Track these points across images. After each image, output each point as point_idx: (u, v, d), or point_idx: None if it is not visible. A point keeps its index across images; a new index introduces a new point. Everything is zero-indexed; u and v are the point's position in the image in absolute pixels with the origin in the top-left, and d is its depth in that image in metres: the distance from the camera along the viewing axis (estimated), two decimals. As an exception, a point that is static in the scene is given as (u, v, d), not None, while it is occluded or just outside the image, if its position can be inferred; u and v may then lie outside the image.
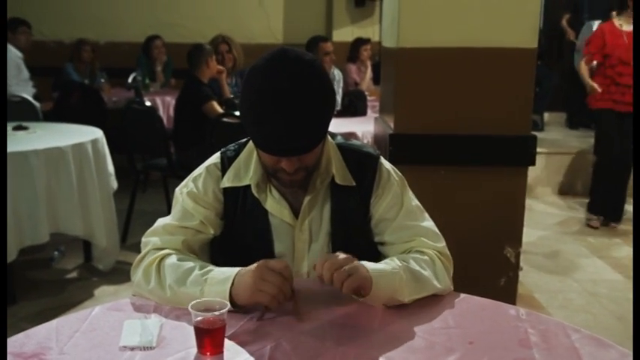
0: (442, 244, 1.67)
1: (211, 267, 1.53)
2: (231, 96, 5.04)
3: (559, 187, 6.41)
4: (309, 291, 1.55)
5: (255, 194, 1.64)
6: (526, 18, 2.87)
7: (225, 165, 1.68)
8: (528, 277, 4.19)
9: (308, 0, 8.00)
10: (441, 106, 2.93)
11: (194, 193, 1.66)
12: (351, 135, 4.09)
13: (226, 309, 1.32)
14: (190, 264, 1.53)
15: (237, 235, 1.69)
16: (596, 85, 5.14)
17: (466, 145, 2.95)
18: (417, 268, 1.56)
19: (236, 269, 1.48)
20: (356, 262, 1.45)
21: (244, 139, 1.72)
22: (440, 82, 2.91)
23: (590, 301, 3.88)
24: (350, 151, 1.71)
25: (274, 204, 1.65)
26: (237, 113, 4.31)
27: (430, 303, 1.56)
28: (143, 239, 1.65)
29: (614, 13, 5.28)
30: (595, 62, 5.25)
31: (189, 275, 1.50)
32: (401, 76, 2.94)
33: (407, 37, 2.87)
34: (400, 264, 1.54)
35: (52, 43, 7.57)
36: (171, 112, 5.68)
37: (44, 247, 4.11)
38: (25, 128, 4.09)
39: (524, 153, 2.95)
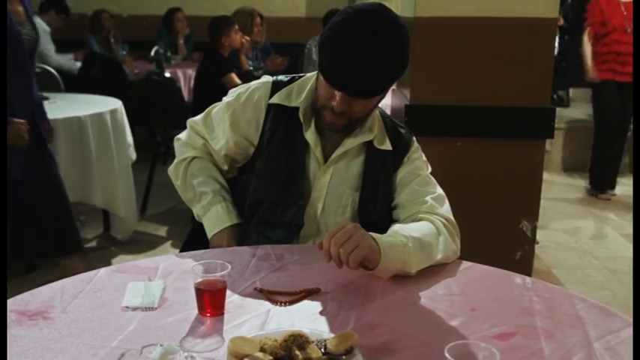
0: (447, 208, 1.69)
1: (217, 203, 1.78)
2: (251, 68, 5.02)
3: (583, 163, 6.29)
4: (311, 258, 1.55)
5: (301, 118, 1.70)
6: (546, -14, 2.81)
7: (275, 90, 1.75)
8: (547, 253, 4.15)
9: (331, -28, 7.91)
10: (459, 77, 2.87)
11: (235, 115, 1.77)
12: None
13: (227, 270, 1.31)
14: (206, 188, 1.80)
15: (273, 156, 1.73)
16: (595, 75, 5.24)
17: (483, 117, 2.90)
18: (424, 237, 1.54)
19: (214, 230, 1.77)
20: (363, 232, 1.43)
21: (298, 75, 1.80)
22: (457, 52, 2.86)
23: (609, 278, 3.83)
24: (391, 121, 1.80)
25: (312, 136, 1.70)
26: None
27: (435, 270, 1.54)
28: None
29: None
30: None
31: (200, 199, 1.80)
32: (417, 46, 2.89)
33: (424, 6, 2.82)
34: (408, 235, 1.52)
35: (76, 16, 7.58)
36: (193, 84, 5.69)
37: (65, 217, 4.15)
38: (45, 98, 4.11)
39: (542, 125, 2.89)
